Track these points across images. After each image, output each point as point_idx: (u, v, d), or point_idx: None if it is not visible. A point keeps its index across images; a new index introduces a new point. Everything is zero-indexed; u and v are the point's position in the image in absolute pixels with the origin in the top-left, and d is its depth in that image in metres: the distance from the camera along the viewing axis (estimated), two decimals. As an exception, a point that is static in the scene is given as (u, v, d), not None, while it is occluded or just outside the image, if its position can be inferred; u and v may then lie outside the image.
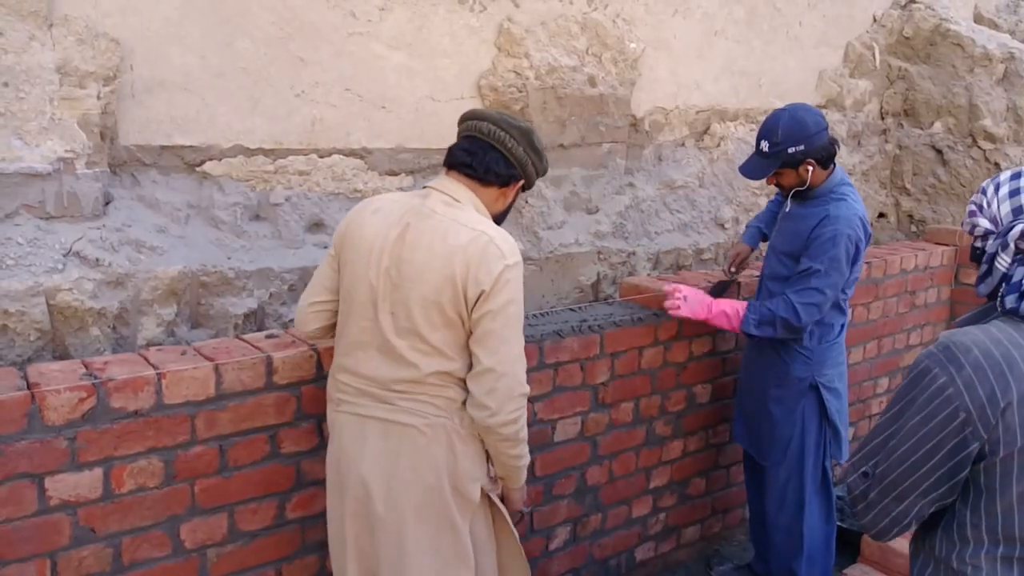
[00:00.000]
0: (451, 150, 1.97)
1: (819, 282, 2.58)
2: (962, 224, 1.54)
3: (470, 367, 1.89)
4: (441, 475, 1.89)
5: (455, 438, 1.90)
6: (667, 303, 2.71)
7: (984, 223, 1.46)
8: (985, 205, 1.47)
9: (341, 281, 1.96)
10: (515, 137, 1.94)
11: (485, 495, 2.01)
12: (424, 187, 1.98)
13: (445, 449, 1.89)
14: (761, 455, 2.90)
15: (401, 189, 2.80)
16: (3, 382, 1.82)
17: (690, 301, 2.70)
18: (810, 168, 2.64)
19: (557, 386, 2.71)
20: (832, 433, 2.82)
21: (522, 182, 2.02)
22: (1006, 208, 1.43)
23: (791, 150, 2.59)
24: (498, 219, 2.00)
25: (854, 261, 2.65)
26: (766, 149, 2.64)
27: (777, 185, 2.76)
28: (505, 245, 1.86)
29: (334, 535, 2.03)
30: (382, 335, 1.87)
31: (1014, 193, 1.44)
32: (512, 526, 2.10)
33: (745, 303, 2.70)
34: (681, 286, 2.74)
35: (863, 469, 1.45)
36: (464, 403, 1.90)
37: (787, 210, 2.80)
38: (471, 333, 1.87)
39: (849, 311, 2.87)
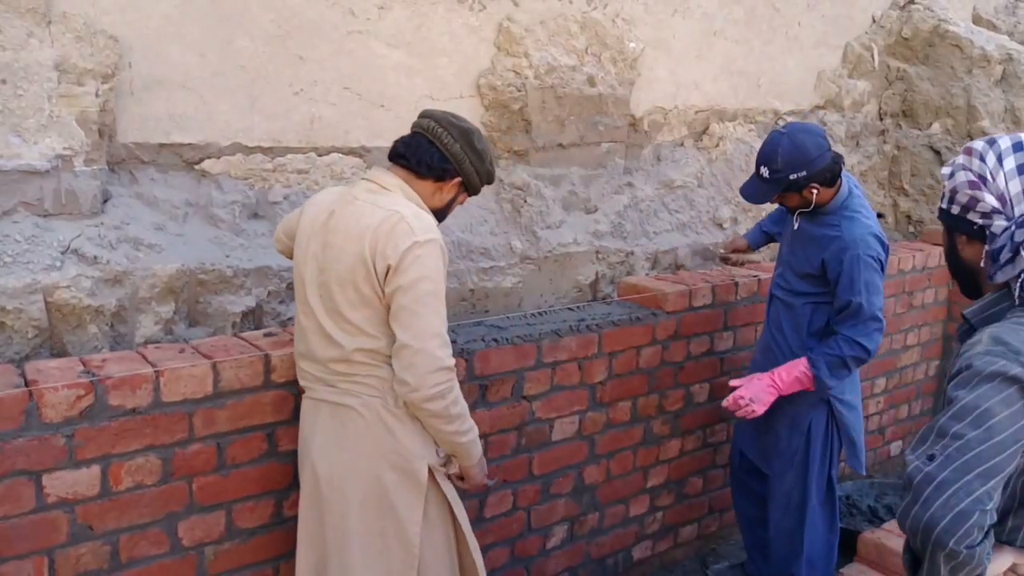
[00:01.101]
0: (394, 143, 2.07)
1: (868, 310, 2.54)
2: (953, 196, 1.41)
3: None
4: (382, 456, 1.94)
5: (391, 417, 1.94)
6: (739, 414, 2.63)
7: (990, 200, 1.35)
8: (989, 177, 1.35)
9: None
10: (453, 135, 2.01)
11: (434, 479, 2.00)
12: (360, 179, 2.05)
13: (383, 429, 1.94)
14: (767, 465, 2.88)
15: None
16: (1, 379, 1.83)
17: (756, 396, 2.60)
18: (815, 191, 2.57)
19: (555, 385, 2.72)
20: (847, 445, 2.79)
21: (459, 180, 2.05)
22: (1016, 187, 1.32)
23: (792, 176, 2.53)
24: (438, 216, 2.04)
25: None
26: (766, 175, 2.57)
27: (781, 204, 2.72)
28: (417, 223, 1.90)
29: (298, 529, 2.08)
30: (314, 316, 1.96)
31: (1022, 169, 1.32)
32: (466, 522, 2.10)
33: (803, 361, 2.62)
34: (737, 392, 2.63)
35: (929, 453, 1.28)
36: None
37: (796, 228, 2.74)
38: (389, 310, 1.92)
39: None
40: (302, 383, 2.05)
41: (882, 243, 2.60)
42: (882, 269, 2.59)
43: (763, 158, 2.58)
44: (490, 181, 2.13)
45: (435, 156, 2.00)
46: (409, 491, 1.96)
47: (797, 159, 2.51)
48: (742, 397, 2.60)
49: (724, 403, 2.67)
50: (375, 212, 1.91)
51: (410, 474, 1.96)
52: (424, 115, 2.07)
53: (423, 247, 1.87)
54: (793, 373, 2.61)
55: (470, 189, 2.10)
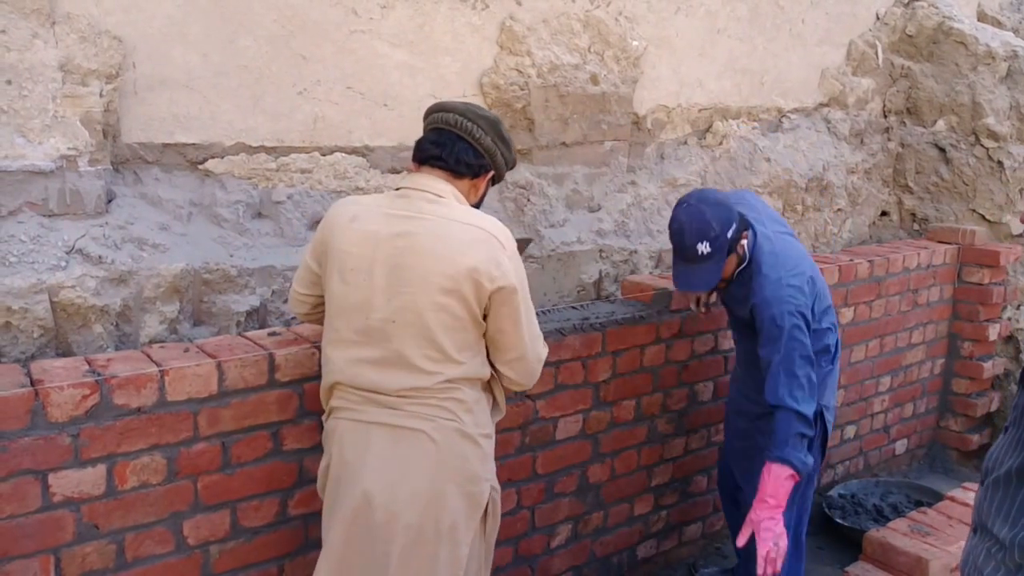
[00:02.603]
0: (419, 144, 1.96)
1: (790, 366, 2.38)
2: None
3: (479, 364, 1.90)
4: (450, 481, 1.86)
5: (464, 441, 1.87)
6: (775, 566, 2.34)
7: None
8: None
9: (327, 290, 1.93)
10: (482, 127, 1.93)
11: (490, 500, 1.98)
12: (399, 188, 1.95)
13: (455, 454, 1.86)
14: (744, 478, 2.78)
15: (403, 187, 2.80)
16: (7, 379, 1.83)
17: (775, 538, 2.33)
18: (744, 242, 2.48)
19: (559, 384, 2.72)
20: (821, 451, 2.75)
21: (492, 173, 2.00)
22: None
23: (729, 234, 2.40)
24: None
25: (812, 306, 2.49)
26: (707, 251, 2.38)
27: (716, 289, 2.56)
28: (501, 234, 1.88)
29: (328, 554, 1.92)
30: (385, 345, 1.83)
31: None
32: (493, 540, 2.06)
33: (769, 468, 2.37)
34: (765, 554, 2.32)
35: None
36: (472, 402, 1.89)
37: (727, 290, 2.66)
38: (487, 327, 1.89)
39: (837, 335, 2.76)
40: (333, 403, 1.92)
41: (798, 287, 2.43)
42: (805, 309, 2.43)
43: (696, 235, 2.38)
44: (513, 167, 2.08)
45: (470, 153, 1.92)
46: (470, 517, 1.90)
47: (725, 215, 2.40)
48: (769, 552, 2.32)
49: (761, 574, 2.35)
50: (459, 230, 1.83)
51: (475, 497, 1.90)
52: (443, 109, 1.94)
53: (513, 257, 1.87)
54: (777, 485, 2.34)
55: (496, 179, 2.05)
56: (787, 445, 2.36)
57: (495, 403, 2.03)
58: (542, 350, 1.99)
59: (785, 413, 2.37)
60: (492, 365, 1.95)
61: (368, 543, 1.86)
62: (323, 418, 2.01)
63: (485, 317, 1.88)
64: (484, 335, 1.92)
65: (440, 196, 1.88)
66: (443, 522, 1.86)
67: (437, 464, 1.85)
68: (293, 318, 2.52)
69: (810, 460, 2.41)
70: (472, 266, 1.80)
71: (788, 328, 2.40)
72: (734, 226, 2.42)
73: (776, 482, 2.35)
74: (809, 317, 2.47)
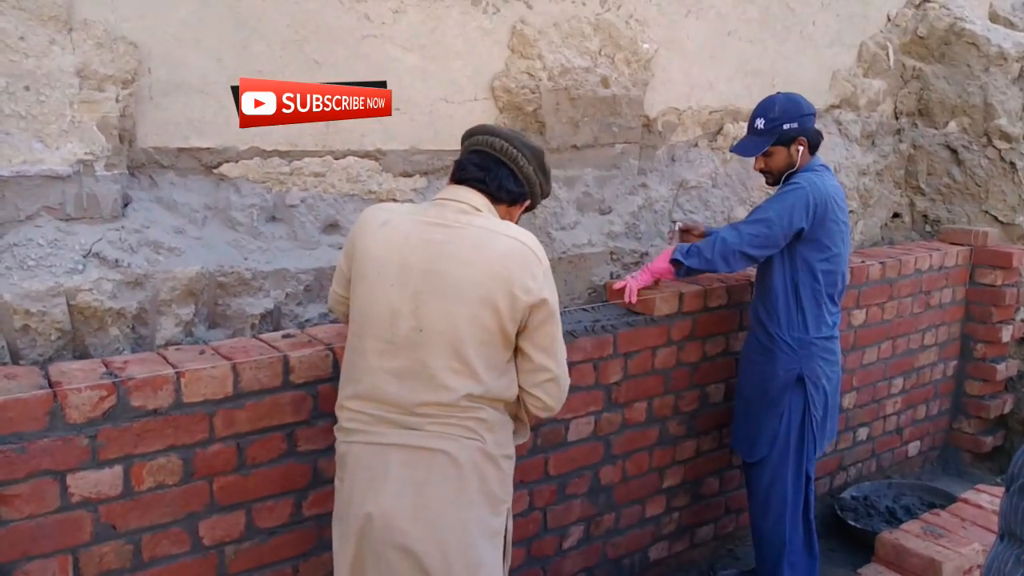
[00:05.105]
0: (461, 164, 1.93)
1: (762, 214, 2.72)
2: None
3: (504, 386, 1.86)
4: (472, 507, 1.82)
5: (486, 461, 1.83)
6: (626, 299, 2.87)
7: None
8: None
9: (353, 294, 1.91)
10: (526, 156, 1.92)
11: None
12: (435, 199, 1.94)
13: (476, 475, 1.82)
14: (750, 452, 2.91)
15: (415, 190, 2.81)
16: (25, 381, 1.86)
17: (637, 279, 2.87)
18: (800, 148, 2.75)
19: (571, 386, 2.71)
20: (812, 433, 2.83)
21: (528, 203, 2.00)
22: None
23: (786, 126, 2.72)
24: None
25: (820, 223, 2.70)
26: (761, 126, 2.75)
27: (764, 171, 2.84)
28: (538, 248, 1.86)
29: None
30: (409, 355, 1.79)
31: None
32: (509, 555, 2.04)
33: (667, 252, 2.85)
34: (627, 281, 2.89)
35: None
36: (494, 422, 1.86)
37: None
38: (518, 344, 1.85)
39: (838, 307, 2.87)
40: (347, 425, 1.87)
41: (827, 198, 2.70)
42: (816, 214, 2.69)
43: (760, 110, 2.79)
44: (546, 197, 2.08)
45: (512, 180, 1.91)
46: (493, 543, 1.86)
47: (792, 110, 2.74)
48: (625, 283, 2.87)
49: (615, 285, 2.93)
50: (496, 240, 1.80)
51: (494, 520, 1.87)
52: (489, 132, 1.93)
53: (548, 271, 1.86)
54: (659, 262, 2.84)
55: (529, 208, 2.04)
56: (691, 250, 2.77)
57: (516, 427, 1.98)
58: (568, 375, 1.95)
59: (730, 227, 2.77)
60: (521, 388, 1.91)
61: (386, 570, 1.81)
62: (335, 430, 1.97)
63: (519, 334, 1.84)
64: (515, 354, 1.88)
65: (477, 209, 1.87)
66: (467, 550, 1.81)
67: (459, 488, 1.80)
68: (307, 320, 2.54)
69: (684, 261, 2.78)
70: (508, 277, 1.77)
71: (791, 197, 2.69)
72: (796, 125, 2.73)
73: (661, 260, 2.84)
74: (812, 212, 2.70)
